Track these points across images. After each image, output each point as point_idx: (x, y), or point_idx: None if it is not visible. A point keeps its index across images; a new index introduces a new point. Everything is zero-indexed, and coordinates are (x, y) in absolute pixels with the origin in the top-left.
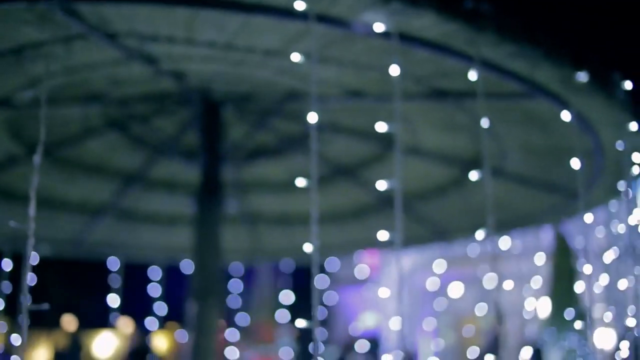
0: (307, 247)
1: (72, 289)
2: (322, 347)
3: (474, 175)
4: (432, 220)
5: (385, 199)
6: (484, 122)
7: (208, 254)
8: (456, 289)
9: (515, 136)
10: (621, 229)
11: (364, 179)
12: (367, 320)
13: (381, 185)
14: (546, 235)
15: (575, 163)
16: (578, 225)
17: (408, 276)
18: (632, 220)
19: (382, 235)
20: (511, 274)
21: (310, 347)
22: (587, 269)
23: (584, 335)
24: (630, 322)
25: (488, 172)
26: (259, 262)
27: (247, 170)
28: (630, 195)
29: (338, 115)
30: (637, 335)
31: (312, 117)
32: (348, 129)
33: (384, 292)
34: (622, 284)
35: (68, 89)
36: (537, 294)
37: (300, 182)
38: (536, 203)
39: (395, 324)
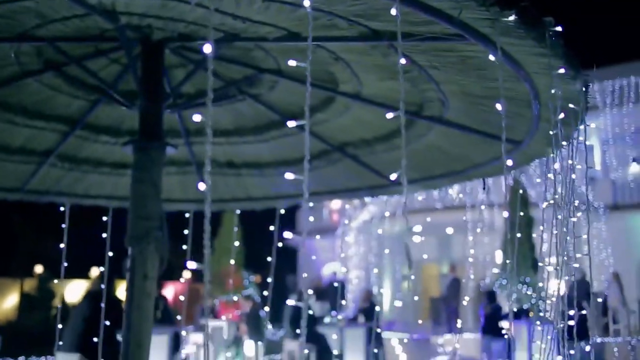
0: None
1: (44, 238)
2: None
3: (389, 115)
4: (382, 169)
5: (335, 147)
6: (402, 61)
7: (145, 199)
8: (416, 237)
9: (454, 82)
10: (562, 179)
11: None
12: (332, 268)
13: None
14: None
15: (498, 107)
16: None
17: (371, 225)
18: (572, 170)
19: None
20: (472, 223)
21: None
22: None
23: (536, 282)
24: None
25: (402, 114)
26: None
27: (187, 114)
28: (572, 143)
29: (281, 60)
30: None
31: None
32: (291, 74)
33: (348, 241)
34: (572, 234)
35: None
36: (494, 243)
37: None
38: (482, 153)
39: (359, 270)
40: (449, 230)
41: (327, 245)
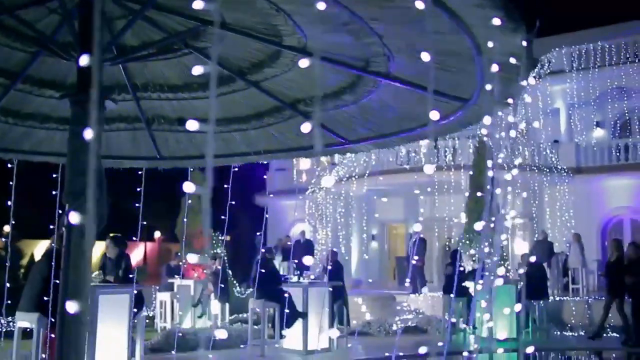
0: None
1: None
2: None
3: (304, 62)
4: (334, 127)
5: (287, 104)
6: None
7: (82, 156)
8: (383, 197)
9: (398, 36)
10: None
11: (257, 82)
12: (300, 229)
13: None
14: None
15: (425, 56)
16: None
17: (340, 186)
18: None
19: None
20: (442, 183)
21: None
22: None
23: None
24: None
25: (317, 59)
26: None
27: (134, 69)
28: (513, 101)
29: (225, 12)
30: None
31: None
32: (235, 28)
33: (317, 201)
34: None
35: None
36: (460, 204)
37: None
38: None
39: (328, 231)
40: (416, 191)
41: (296, 206)
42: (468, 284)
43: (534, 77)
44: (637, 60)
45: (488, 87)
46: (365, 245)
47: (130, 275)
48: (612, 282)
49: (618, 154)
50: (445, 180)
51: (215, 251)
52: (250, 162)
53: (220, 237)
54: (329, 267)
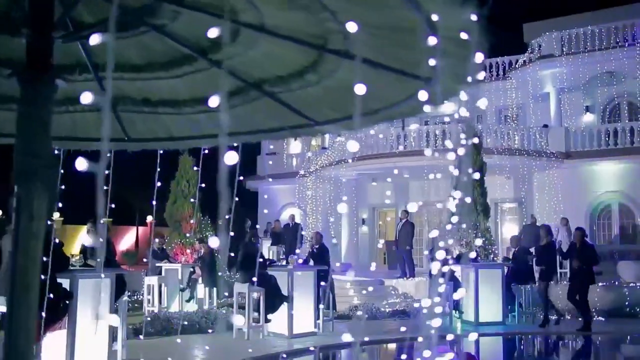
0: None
1: None
2: None
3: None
4: (300, 108)
5: (251, 84)
6: None
7: (33, 136)
8: (373, 182)
9: (350, 11)
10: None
11: (220, 62)
12: (291, 212)
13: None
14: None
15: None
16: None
17: (330, 170)
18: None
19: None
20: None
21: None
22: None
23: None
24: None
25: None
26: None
27: (94, 48)
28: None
29: None
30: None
31: None
32: (192, 4)
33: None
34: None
35: None
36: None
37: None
38: (396, 91)
39: (318, 214)
40: (406, 175)
41: (287, 190)
42: (455, 268)
43: (524, 60)
44: (626, 45)
45: (432, 62)
46: (355, 228)
47: (112, 260)
48: (544, 267)
49: (607, 138)
50: (434, 164)
51: (202, 235)
52: (219, 144)
53: (209, 222)
54: (314, 250)
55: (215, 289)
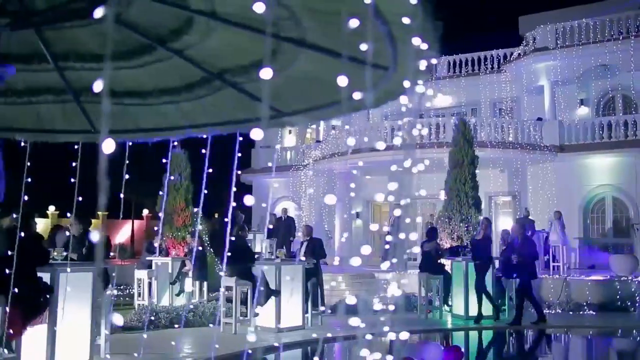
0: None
1: None
2: None
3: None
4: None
5: (214, 74)
6: None
7: None
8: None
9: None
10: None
11: (180, 51)
12: (284, 206)
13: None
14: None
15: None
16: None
17: (325, 163)
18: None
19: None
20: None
21: None
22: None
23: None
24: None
25: None
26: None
27: (51, 37)
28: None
29: None
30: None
31: None
32: None
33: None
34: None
35: None
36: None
37: None
38: (359, 80)
39: (312, 208)
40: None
41: (281, 183)
42: (444, 261)
43: (519, 53)
44: (621, 38)
45: (363, 47)
46: (348, 222)
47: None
48: (478, 261)
49: (601, 131)
50: (427, 157)
51: (194, 229)
52: (189, 135)
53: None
54: (304, 243)
55: (205, 282)
